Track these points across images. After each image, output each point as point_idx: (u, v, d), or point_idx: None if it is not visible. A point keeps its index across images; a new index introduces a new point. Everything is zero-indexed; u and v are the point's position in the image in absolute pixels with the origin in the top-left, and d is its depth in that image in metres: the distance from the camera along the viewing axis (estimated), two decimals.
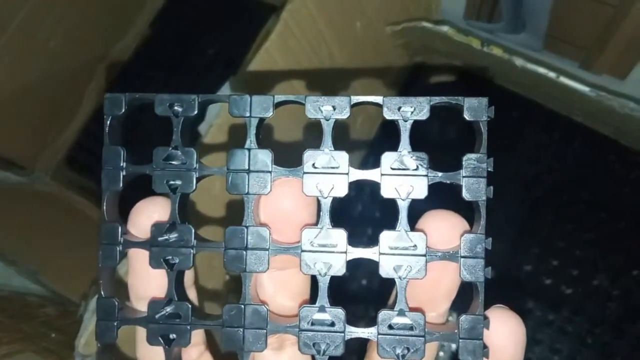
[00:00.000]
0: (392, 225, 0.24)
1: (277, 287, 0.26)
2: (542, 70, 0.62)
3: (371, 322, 0.24)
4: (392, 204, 0.24)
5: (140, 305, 0.26)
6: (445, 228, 0.24)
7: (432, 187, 0.24)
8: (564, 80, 0.61)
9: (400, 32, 0.66)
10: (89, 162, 0.86)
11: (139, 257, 0.25)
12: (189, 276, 0.26)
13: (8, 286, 0.67)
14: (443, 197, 0.24)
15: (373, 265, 0.24)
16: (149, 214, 0.25)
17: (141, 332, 0.26)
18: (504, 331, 0.24)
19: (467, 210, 0.24)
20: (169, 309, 0.24)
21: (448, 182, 0.24)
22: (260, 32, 0.49)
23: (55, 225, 0.77)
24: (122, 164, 0.25)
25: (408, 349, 0.23)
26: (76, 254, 0.70)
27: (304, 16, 0.50)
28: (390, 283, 0.25)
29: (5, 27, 0.69)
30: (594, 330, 0.64)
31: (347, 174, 0.24)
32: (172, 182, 0.24)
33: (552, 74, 0.62)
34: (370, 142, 0.71)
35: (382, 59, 0.68)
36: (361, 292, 0.63)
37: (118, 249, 0.25)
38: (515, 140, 0.69)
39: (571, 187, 0.68)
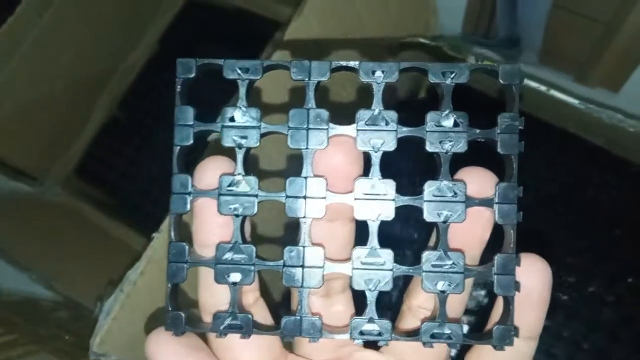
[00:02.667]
0: (433, 178, 0.27)
1: (325, 238, 0.28)
2: (533, 84, 0.65)
3: (414, 262, 0.27)
4: (432, 161, 0.27)
5: (204, 252, 0.28)
6: (479, 181, 0.27)
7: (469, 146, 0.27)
8: (554, 93, 0.64)
9: (398, 47, 0.69)
10: (99, 173, 0.88)
11: (205, 207, 0.28)
12: (247, 226, 0.29)
13: (22, 291, 0.68)
14: (473, 158, 0.27)
15: (417, 213, 0.27)
16: (214, 169, 0.27)
17: (205, 276, 0.28)
18: (533, 270, 0.27)
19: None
20: (233, 252, 0.27)
21: (484, 139, 0.27)
22: (265, 47, 0.52)
23: (66, 234, 0.78)
24: (192, 122, 0.27)
25: (449, 284, 0.26)
26: (87, 261, 0.72)
27: (307, 33, 0.52)
28: (429, 232, 0.28)
29: (20, 43, 0.71)
30: (590, 335, 0.66)
31: (396, 130, 0.27)
32: (238, 138, 0.27)
33: (543, 88, 0.65)
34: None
35: None
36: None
37: (189, 197, 0.27)
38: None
39: (566, 196, 0.71)
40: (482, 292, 0.65)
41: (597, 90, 0.65)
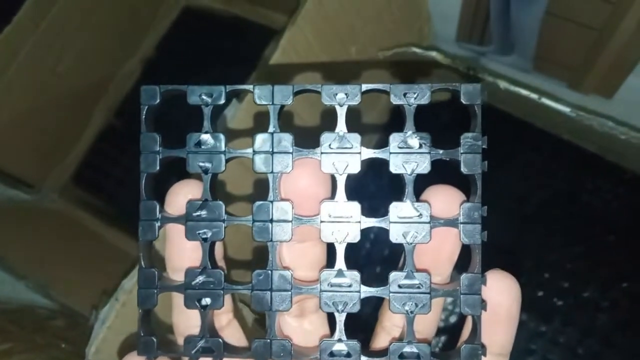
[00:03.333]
0: (399, 198, 0.27)
1: (296, 259, 0.29)
2: (524, 92, 0.65)
3: (383, 283, 0.27)
4: (399, 180, 0.27)
5: (176, 276, 0.28)
6: (445, 200, 0.27)
7: (433, 165, 0.27)
8: (545, 101, 0.64)
9: (391, 57, 0.69)
10: (95, 180, 0.88)
11: (175, 232, 0.28)
12: (219, 250, 0.29)
13: (18, 299, 0.69)
14: (442, 175, 0.27)
15: (383, 234, 0.27)
16: (184, 194, 0.28)
17: (177, 300, 0.29)
18: (500, 287, 0.27)
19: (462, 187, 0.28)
20: (203, 276, 0.27)
21: (447, 158, 0.27)
22: (261, 55, 0.52)
23: (63, 241, 0.79)
24: (158, 149, 0.28)
25: (416, 305, 0.27)
26: (84, 269, 0.73)
27: (301, 42, 0.53)
28: (398, 250, 0.28)
29: (17, 52, 0.72)
30: (585, 340, 0.66)
31: (360, 153, 0.27)
32: (204, 164, 0.27)
33: (534, 96, 0.65)
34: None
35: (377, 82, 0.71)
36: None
37: (156, 224, 0.28)
38: (506, 157, 0.71)
39: (561, 202, 0.71)
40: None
41: (590, 97, 0.64)
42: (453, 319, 0.66)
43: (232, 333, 0.30)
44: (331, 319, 0.31)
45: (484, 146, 0.27)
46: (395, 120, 0.75)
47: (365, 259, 0.58)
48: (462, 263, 0.29)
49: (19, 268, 0.66)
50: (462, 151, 0.27)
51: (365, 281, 0.27)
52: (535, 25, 0.63)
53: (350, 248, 0.27)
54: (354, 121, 0.27)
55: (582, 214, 0.70)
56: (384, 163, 0.27)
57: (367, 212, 0.27)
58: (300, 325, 0.30)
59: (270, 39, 0.53)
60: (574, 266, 0.68)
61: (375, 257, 0.63)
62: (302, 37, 0.52)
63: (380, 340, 0.30)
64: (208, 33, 0.91)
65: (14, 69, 0.72)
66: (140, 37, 0.91)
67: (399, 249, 0.27)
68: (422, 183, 0.27)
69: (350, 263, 0.27)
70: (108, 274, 0.63)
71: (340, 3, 0.56)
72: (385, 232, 0.27)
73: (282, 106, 0.27)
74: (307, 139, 0.28)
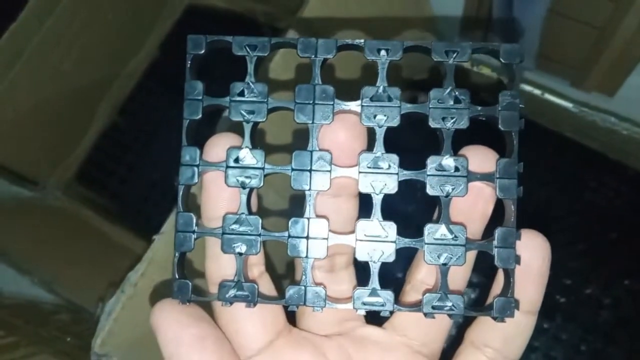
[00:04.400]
0: (437, 153, 0.28)
1: (330, 213, 0.29)
2: (528, 87, 0.66)
3: (416, 236, 0.28)
4: (436, 135, 0.28)
5: (212, 224, 0.29)
6: (481, 158, 0.28)
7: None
8: (549, 97, 0.65)
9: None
10: (99, 178, 0.88)
11: (212, 181, 0.28)
12: (254, 199, 0.29)
13: (23, 295, 0.68)
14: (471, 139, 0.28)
15: (420, 187, 0.27)
16: (224, 145, 0.28)
17: (212, 247, 0.29)
18: (532, 245, 0.28)
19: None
20: (240, 223, 0.28)
21: (484, 117, 0.28)
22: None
23: (67, 238, 0.78)
24: (201, 96, 0.28)
25: (451, 257, 0.27)
26: (87, 265, 0.73)
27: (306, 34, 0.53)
28: (433, 205, 0.29)
29: (22, 50, 0.72)
30: (587, 337, 0.66)
31: (399, 107, 0.27)
32: (246, 112, 0.28)
33: (537, 91, 0.66)
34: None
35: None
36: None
37: (197, 169, 0.28)
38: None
39: (563, 200, 0.71)
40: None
41: (592, 95, 0.65)
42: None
43: (263, 284, 0.30)
44: (360, 276, 0.31)
45: (521, 105, 0.28)
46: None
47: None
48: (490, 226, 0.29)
49: (23, 264, 0.66)
50: (500, 108, 0.27)
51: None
52: (537, 23, 0.63)
53: (384, 201, 0.28)
54: (393, 76, 0.28)
55: (584, 211, 0.70)
56: (418, 118, 0.28)
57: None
58: (329, 282, 0.30)
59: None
60: (577, 263, 0.68)
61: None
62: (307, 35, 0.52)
63: (409, 297, 0.30)
64: (212, 32, 0.91)
65: (19, 67, 0.72)
66: (144, 36, 0.91)
67: (424, 205, 0.28)
68: (455, 145, 0.28)
69: (386, 217, 0.28)
70: (111, 270, 0.64)
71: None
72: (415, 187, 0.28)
73: (325, 59, 0.28)
74: (345, 93, 0.28)
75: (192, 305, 0.28)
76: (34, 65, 0.73)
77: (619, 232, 0.69)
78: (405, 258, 0.29)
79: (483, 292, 0.66)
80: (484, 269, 0.29)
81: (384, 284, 0.27)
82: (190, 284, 0.28)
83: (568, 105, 0.64)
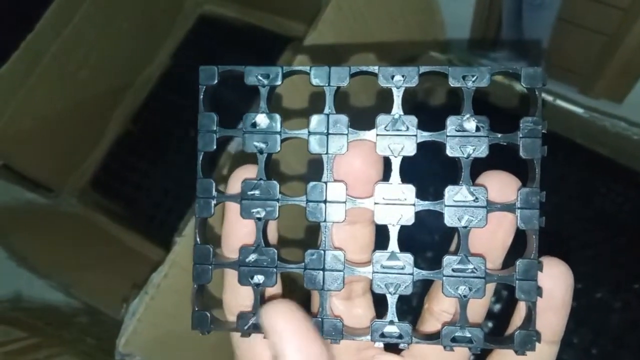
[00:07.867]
0: (454, 182, 0.27)
1: (346, 240, 0.29)
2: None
3: (434, 265, 0.27)
4: (454, 164, 0.27)
5: (231, 255, 0.29)
6: (501, 185, 0.27)
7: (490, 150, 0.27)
8: (560, 103, 0.65)
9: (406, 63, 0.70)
10: (113, 184, 0.89)
11: (232, 212, 0.28)
12: (272, 230, 0.29)
13: (42, 298, 0.70)
14: (490, 163, 0.28)
15: (436, 219, 0.27)
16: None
17: (230, 278, 0.29)
18: (554, 274, 0.27)
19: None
20: (257, 254, 0.27)
21: (505, 143, 0.27)
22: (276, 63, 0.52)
23: (82, 244, 0.79)
24: (215, 128, 0.28)
25: (470, 289, 0.27)
26: (103, 270, 0.73)
27: (320, 49, 0.53)
28: (450, 236, 0.28)
29: (40, 59, 0.72)
30: (598, 340, 0.66)
31: (416, 135, 0.27)
32: (259, 144, 0.28)
33: (549, 98, 0.65)
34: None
35: None
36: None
37: (212, 202, 0.28)
38: (519, 162, 0.72)
39: (574, 205, 0.71)
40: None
41: (601, 102, 0.65)
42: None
43: None
44: (377, 303, 0.31)
45: (544, 130, 0.27)
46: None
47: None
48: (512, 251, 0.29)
49: (40, 268, 0.67)
50: (521, 135, 0.27)
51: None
52: (547, 31, 0.63)
53: (402, 231, 0.27)
54: (407, 103, 0.27)
55: (594, 216, 0.70)
56: (435, 148, 0.27)
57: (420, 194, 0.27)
58: (347, 309, 0.30)
59: (285, 47, 0.53)
60: (587, 268, 0.69)
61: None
62: (322, 40, 0.52)
63: (428, 325, 0.30)
64: (223, 41, 0.92)
65: (37, 76, 0.73)
66: (157, 46, 0.92)
67: (443, 235, 0.28)
68: (473, 169, 0.27)
69: (402, 246, 0.27)
70: (126, 275, 0.64)
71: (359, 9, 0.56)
72: (431, 217, 0.27)
73: (338, 87, 0.27)
74: (359, 120, 0.28)
75: None
76: (50, 74, 0.74)
77: (628, 237, 0.69)
78: (422, 288, 0.29)
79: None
80: (502, 295, 0.28)
81: (400, 312, 0.27)
82: (209, 315, 0.28)
83: (579, 110, 0.64)
